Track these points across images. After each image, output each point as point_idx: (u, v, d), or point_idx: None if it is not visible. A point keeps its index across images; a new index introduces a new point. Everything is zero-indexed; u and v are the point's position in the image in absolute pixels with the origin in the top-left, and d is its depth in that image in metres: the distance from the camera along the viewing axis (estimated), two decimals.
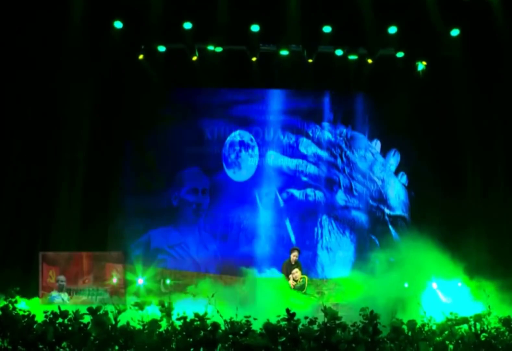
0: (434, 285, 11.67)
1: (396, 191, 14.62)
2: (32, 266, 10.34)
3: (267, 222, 14.44)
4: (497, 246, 13.00)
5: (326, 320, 7.97)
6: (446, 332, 7.90)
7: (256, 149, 14.71)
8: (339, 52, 13.56)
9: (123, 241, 13.57)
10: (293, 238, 14.40)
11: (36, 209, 12.74)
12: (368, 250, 14.27)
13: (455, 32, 12.82)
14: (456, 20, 12.66)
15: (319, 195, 14.61)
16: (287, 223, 14.49)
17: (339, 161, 14.69)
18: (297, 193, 14.63)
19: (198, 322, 7.90)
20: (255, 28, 12.85)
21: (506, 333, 7.86)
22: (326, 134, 14.76)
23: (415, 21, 12.67)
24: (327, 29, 12.86)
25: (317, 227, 14.52)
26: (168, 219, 14.15)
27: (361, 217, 14.60)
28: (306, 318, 8.01)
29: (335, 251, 14.45)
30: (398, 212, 14.54)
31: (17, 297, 8.38)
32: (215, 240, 14.16)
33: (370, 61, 13.55)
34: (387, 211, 14.58)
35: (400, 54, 13.54)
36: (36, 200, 12.72)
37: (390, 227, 14.50)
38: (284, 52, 13.49)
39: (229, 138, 14.71)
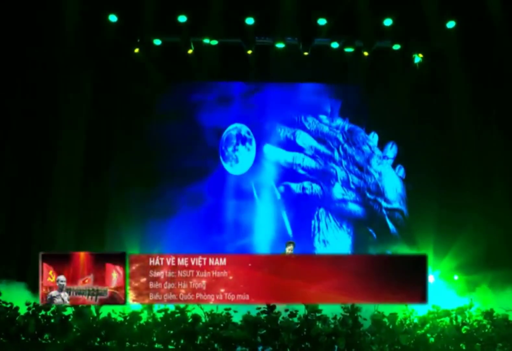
0: (431, 278, 11.63)
1: (393, 184, 14.58)
2: (30, 266, 10.25)
3: (264, 215, 14.38)
4: (494, 239, 12.94)
5: (306, 312, 8.03)
6: (428, 325, 7.95)
7: (253, 142, 14.68)
8: (335, 45, 13.49)
9: (121, 239, 13.53)
10: (290, 231, 14.39)
11: (34, 209, 12.73)
12: (365, 243, 14.28)
13: (451, 24, 12.72)
14: (451, 12, 12.56)
15: (316, 188, 14.57)
16: (284, 216, 14.46)
17: (336, 154, 14.63)
18: (294, 186, 14.58)
19: (179, 314, 7.98)
20: (249, 21, 12.81)
21: (488, 326, 7.89)
22: (323, 127, 14.73)
23: (411, 14, 12.59)
24: (322, 21, 12.80)
25: (314, 220, 14.45)
26: (165, 213, 14.14)
27: (358, 210, 14.52)
28: (286, 310, 8.07)
29: (332, 244, 14.39)
30: (396, 205, 14.49)
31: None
32: (212, 234, 14.16)
33: (366, 53, 13.47)
34: (384, 204, 14.46)
35: (396, 47, 13.44)
36: (34, 200, 12.69)
37: (387, 220, 14.41)
38: (280, 45, 13.44)
39: (226, 132, 14.70)
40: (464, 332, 7.79)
